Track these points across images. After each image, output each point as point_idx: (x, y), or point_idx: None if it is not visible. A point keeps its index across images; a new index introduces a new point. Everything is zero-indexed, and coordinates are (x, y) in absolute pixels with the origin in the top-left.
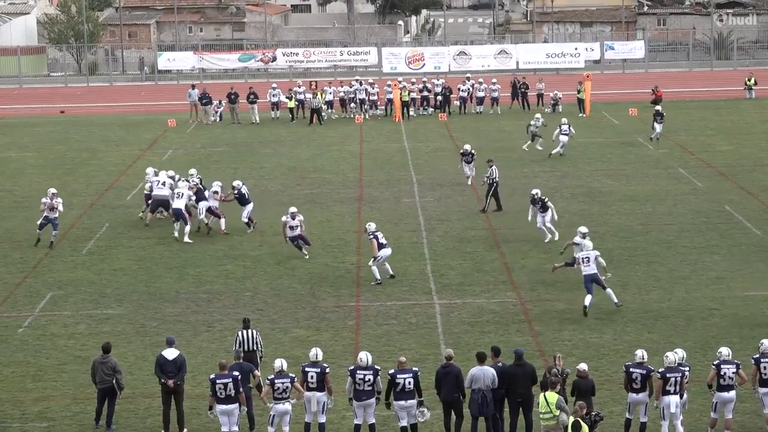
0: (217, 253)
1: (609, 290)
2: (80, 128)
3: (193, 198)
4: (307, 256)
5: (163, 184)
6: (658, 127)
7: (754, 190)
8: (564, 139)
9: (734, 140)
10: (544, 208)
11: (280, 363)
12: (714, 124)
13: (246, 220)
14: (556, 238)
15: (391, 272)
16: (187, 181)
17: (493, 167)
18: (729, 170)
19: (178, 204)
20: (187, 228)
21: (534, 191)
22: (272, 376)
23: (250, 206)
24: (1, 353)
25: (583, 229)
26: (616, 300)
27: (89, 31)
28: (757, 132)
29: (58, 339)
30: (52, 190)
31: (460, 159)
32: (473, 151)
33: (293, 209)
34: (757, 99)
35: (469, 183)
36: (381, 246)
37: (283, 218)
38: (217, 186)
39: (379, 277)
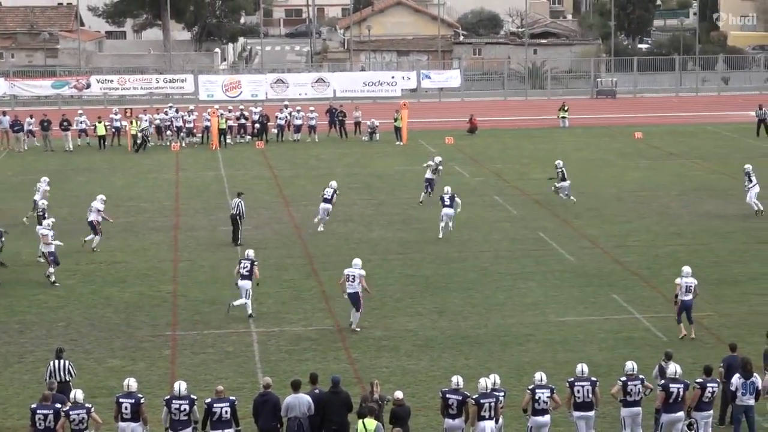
0: (30, 283)
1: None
2: None
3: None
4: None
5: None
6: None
7: (567, 217)
8: None
9: (548, 168)
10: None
11: (73, 394)
12: (529, 153)
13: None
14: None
15: (250, 311)
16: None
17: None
18: (543, 198)
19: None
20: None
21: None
22: (67, 408)
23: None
24: None
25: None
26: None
27: None
28: (571, 160)
29: None
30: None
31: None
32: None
33: None
34: (571, 128)
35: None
36: (242, 277)
37: None
38: (100, 202)
39: (249, 311)
